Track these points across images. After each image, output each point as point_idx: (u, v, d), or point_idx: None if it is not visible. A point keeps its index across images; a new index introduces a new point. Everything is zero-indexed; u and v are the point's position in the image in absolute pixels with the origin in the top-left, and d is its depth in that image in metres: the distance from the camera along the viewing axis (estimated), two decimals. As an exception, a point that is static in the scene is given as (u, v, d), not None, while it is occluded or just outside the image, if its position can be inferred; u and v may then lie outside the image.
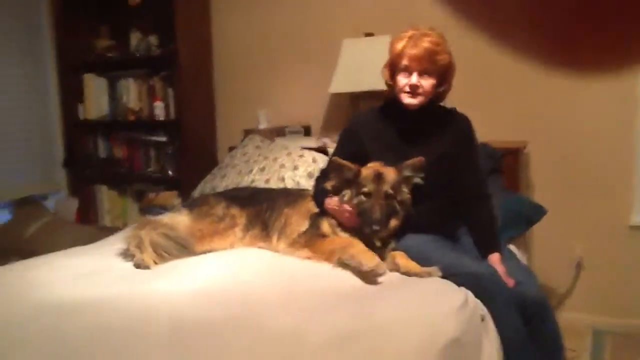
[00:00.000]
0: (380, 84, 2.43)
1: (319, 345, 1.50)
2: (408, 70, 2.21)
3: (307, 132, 3.63)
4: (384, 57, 2.34)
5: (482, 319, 1.90)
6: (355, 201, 2.19)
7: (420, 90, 2.22)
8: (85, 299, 1.81)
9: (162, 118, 3.83)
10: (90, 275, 2.05)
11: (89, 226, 3.98)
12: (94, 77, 4.04)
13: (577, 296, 3.23)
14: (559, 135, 3.17)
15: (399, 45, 2.22)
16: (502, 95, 3.25)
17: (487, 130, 2.74)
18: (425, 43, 2.17)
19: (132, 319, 1.66)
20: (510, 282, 2.03)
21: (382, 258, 2.15)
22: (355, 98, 3.34)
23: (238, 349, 1.49)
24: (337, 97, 3.54)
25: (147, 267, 2.15)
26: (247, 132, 3.60)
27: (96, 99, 4.06)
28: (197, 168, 3.64)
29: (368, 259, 2.00)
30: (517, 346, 1.92)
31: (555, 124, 3.17)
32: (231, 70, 3.94)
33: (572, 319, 3.05)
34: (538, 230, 3.18)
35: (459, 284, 1.97)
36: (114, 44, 4.04)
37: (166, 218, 2.43)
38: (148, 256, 2.19)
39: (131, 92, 3.96)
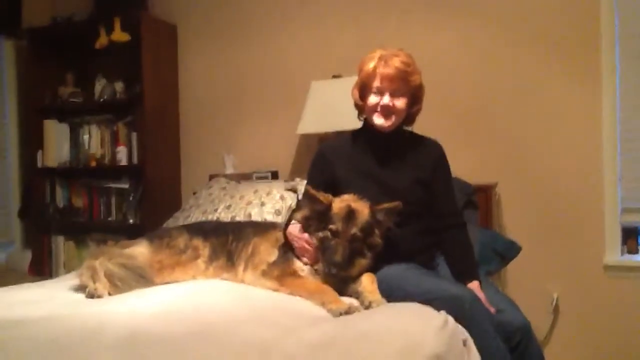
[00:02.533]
0: (349, 125, 2.40)
1: (288, 354, 1.34)
2: (380, 91, 2.18)
3: (274, 176, 3.55)
4: (351, 99, 2.32)
5: (464, 344, 1.77)
6: (320, 235, 2.07)
7: (393, 110, 2.18)
8: (34, 316, 1.63)
9: (124, 163, 3.73)
10: (37, 302, 1.86)
11: (41, 279, 3.72)
12: (55, 123, 3.94)
13: (555, 345, 3.10)
14: (528, 174, 3.16)
15: (370, 65, 2.19)
16: (471, 135, 3.25)
17: (456, 170, 2.70)
18: (397, 63, 2.16)
19: (84, 331, 1.51)
20: (491, 310, 1.93)
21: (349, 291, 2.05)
22: (324, 139, 3.29)
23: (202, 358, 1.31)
24: (305, 139, 3.50)
25: (99, 297, 1.96)
26: (213, 177, 3.50)
27: (57, 145, 3.94)
28: (160, 215, 3.49)
29: (338, 305, 1.86)
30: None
31: (524, 163, 3.16)
32: (197, 114, 3.90)
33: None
34: (512, 272, 3.10)
35: (438, 309, 1.83)
36: (78, 91, 3.96)
37: (124, 249, 2.26)
38: (102, 286, 2.02)
39: (93, 138, 3.87)
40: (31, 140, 3.98)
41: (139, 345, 1.39)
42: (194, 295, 1.87)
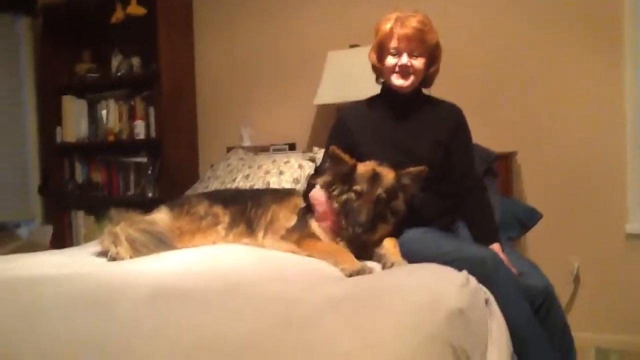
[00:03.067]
0: (367, 94, 2.36)
1: (313, 307, 1.34)
2: (397, 51, 2.15)
3: (292, 149, 3.53)
4: (369, 68, 2.30)
5: (486, 303, 1.75)
6: (344, 197, 2.05)
7: (411, 70, 2.15)
8: (58, 274, 1.65)
9: (142, 137, 3.73)
10: (60, 266, 1.87)
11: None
12: (73, 100, 3.95)
13: (576, 313, 3.07)
14: (550, 141, 3.11)
15: (387, 26, 2.17)
16: (491, 103, 3.21)
17: (475, 138, 2.66)
18: (414, 22, 2.13)
19: (109, 286, 1.50)
20: (513, 271, 1.91)
21: (371, 256, 2.03)
22: (341, 108, 3.26)
23: (226, 312, 1.32)
24: (322, 110, 3.48)
25: (121, 260, 1.98)
26: (230, 150, 3.50)
27: (75, 121, 3.95)
28: (178, 188, 3.50)
29: (351, 264, 1.84)
30: (529, 333, 1.77)
31: (546, 129, 3.12)
32: (214, 88, 3.88)
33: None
34: (532, 241, 3.08)
35: (460, 270, 1.79)
36: (95, 66, 3.97)
37: (144, 216, 2.28)
38: (123, 250, 2.03)
39: (111, 113, 3.88)
40: (49, 117, 3.99)
41: (164, 299, 1.39)
42: (216, 257, 1.87)
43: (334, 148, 2.12)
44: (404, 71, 2.15)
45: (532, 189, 3.15)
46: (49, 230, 3.97)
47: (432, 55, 2.19)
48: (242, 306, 1.35)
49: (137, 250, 2.04)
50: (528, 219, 2.70)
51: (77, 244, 3.94)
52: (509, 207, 2.67)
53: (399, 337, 1.20)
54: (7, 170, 3.95)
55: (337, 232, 2.08)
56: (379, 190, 2.01)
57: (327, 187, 2.12)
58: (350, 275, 1.78)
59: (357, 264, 1.85)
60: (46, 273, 1.66)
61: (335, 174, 2.09)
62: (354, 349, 1.10)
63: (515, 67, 3.16)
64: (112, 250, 2.04)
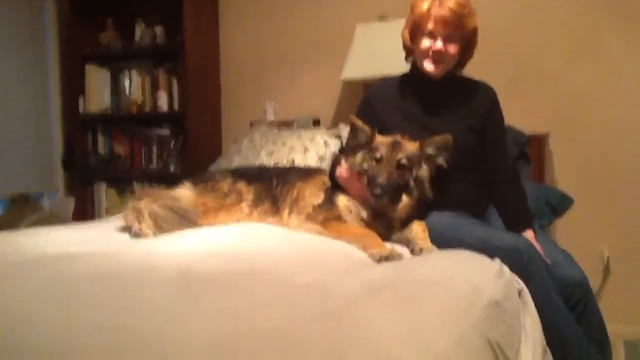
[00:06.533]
0: (396, 70, 2.28)
1: (348, 294, 1.29)
2: (432, 35, 2.05)
3: (316, 124, 3.47)
4: (399, 42, 2.20)
5: (519, 294, 1.69)
6: (365, 166, 1.99)
7: (445, 57, 2.06)
8: (84, 252, 1.62)
9: (165, 110, 3.69)
10: (84, 242, 1.85)
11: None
12: (96, 69, 3.90)
13: (605, 304, 2.95)
14: (584, 125, 3.00)
15: (424, 6, 2.06)
16: (523, 83, 3.09)
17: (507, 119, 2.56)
18: (452, 4, 2.02)
19: (136, 267, 1.47)
20: (547, 262, 1.84)
21: (399, 239, 1.98)
22: (369, 86, 3.18)
23: (259, 299, 1.26)
24: (348, 86, 3.40)
25: (144, 237, 1.95)
26: (254, 124, 3.44)
27: (98, 91, 3.90)
28: (201, 163, 3.46)
29: (380, 249, 1.79)
30: (564, 326, 1.72)
31: (579, 112, 3.00)
32: (239, 61, 3.81)
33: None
34: (562, 229, 2.98)
35: (492, 258, 1.75)
36: (119, 35, 3.91)
37: (168, 191, 2.24)
38: (146, 226, 2.00)
39: (134, 84, 3.82)
40: (73, 87, 3.95)
41: (194, 283, 1.34)
42: (241, 238, 1.83)
43: (352, 117, 2.07)
44: (438, 57, 2.05)
45: (563, 173, 3.05)
46: (70, 202, 3.96)
47: (468, 40, 2.10)
48: (276, 294, 1.31)
49: (160, 226, 2.01)
50: (559, 204, 2.61)
51: (99, 217, 3.94)
52: (541, 193, 2.58)
53: (442, 332, 1.14)
54: (31, 140, 3.93)
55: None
56: (400, 155, 1.95)
57: (348, 160, 2.06)
58: (379, 261, 1.73)
59: (386, 249, 1.79)
60: (71, 251, 1.63)
61: (355, 144, 2.04)
62: (395, 344, 1.04)
63: (551, 45, 3.04)
64: (136, 226, 2.01)
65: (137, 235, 1.96)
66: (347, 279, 1.42)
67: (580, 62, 2.99)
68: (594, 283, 2.96)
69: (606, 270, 2.99)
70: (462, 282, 1.41)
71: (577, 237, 2.98)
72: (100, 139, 4.02)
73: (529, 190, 2.42)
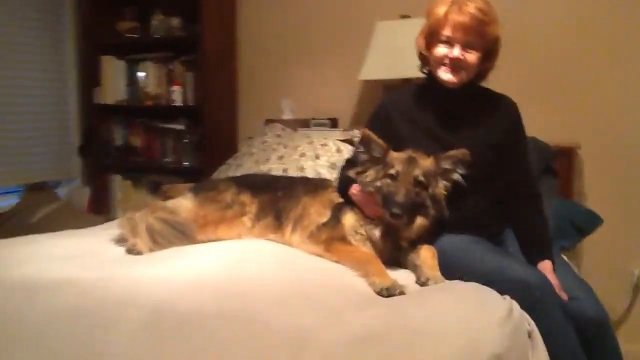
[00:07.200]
0: (418, 72, 2.12)
1: (326, 350, 1.18)
2: (450, 41, 1.90)
3: (334, 124, 3.35)
4: None
5: (529, 336, 1.56)
6: (378, 184, 1.87)
7: (463, 65, 1.90)
8: (57, 279, 1.54)
9: (179, 103, 3.61)
10: (70, 258, 1.77)
11: (99, 216, 3.74)
12: (112, 60, 3.84)
13: (633, 324, 2.82)
14: (617, 136, 2.80)
15: (441, 11, 1.90)
16: (551, 89, 2.90)
17: (531, 129, 2.36)
18: (472, 9, 1.86)
19: (108, 301, 1.40)
20: (563, 297, 1.71)
21: (406, 262, 1.88)
22: (389, 87, 3.04)
23: (230, 344, 1.18)
24: (368, 85, 3.25)
25: (139, 253, 1.88)
26: (269, 122, 3.34)
27: (114, 82, 3.84)
28: (215, 159, 3.37)
29: (382, 279, 1.67)
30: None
31: (612, 123, 2.80)
32: (256, 56, 3.69)
33: (627, 352, 2.65)
34: (590, 245, 2.81)
35: (503, 292, 1.63)
36: (136, 25, 3.82)
37: (167, 202, 2.16)
38: (142, 242, 1.93)
39: (150, 76, 3.75)
40: (89, 77, 3.90)
41: (163, 325, 1.26)
42: (234, 263, 1.74)
43: (365, 130, 1.94)
44: (455, 65, 1.90)
45: (592, 186, 2.87)
46: (86, 192, 3.95)
47: (490, 50, 1.93)
48: (246, 343, 1.21)
49: (157, 242, 1.94)
50: (587, 224, 2.45)
51: (114, 208, 3.92)
52: (567, 211, 2.42)
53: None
54: (49, 129, 3.91)
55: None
56: (417, 172, 1.83)
57: (359, 177, 1.94)
58: (380, 293, 1.62)
59: (388, 279, 1.68)
60: (50, 277, 1.55)
61: (368, 158, 1.92)
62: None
63: (583, 48, 2.84)
64: (131, 240, 1.94)
65: (131, 251, 1.89)
66: (332, 324, 1.31)
67: (616, 66, 2.79)
68: (623, 303, 2.80)
69: (636, 289, 2.81)
70: (458, 333, 1.29)
71: (603, 254, 2.82)
72: (117, 130, 3.97)
73: (553, 207, 2.27)
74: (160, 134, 3.81)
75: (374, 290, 1.64)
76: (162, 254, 1.87)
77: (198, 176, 3.49)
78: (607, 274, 2.77)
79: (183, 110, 3.66)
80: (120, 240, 2.00)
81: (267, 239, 2.05)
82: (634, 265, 2.80)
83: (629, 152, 2.79)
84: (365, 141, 1.93)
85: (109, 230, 2.17)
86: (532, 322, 1.59)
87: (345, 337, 1.24)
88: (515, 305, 1.59)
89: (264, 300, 1.44)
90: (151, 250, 1.90)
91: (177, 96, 3.61)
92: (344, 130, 3.11)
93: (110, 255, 1.86)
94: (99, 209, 3.95)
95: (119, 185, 3.95)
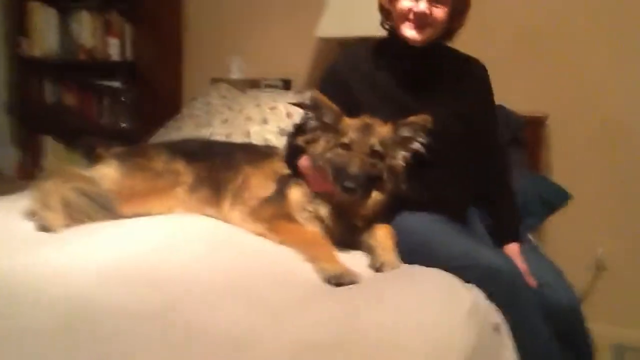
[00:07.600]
0: (378, 29, 1.88)
1: (271, 354, 0.96)
2: None
3: (286, 86, 3.10)
4: None
5: (496, 329, 1.43)
6: (329, 155, 1.66)
7: (429, 21, 1.69)
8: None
9: (116, 58, 3.29)
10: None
11: (26, 182, 3.41)
12: (42, 7, 3.45)
13: (595, 303, 2.68)
14: (588, 108, 2.65)
15: None
16: (522, 57, 2.72)
17: (500, 97, 2.13)
18: None
19: (10, 298, 1.17)
20: (532, 283, 1.58)
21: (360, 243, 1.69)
22: (346, 46, 2.79)
23: (154, 350, 0.97)
24: (324, 44, 3.01)
25: (50, 230, 1.62)
26: (215, 81, 3.06)
27: (43, 33, 3.47)
28: (157, 121, 3.08)
29: (332, 265, 1.51)
30: (548, 358, 1.52)
31: (584, 93, 2.64)
32: (203, 7, 3.38)
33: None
34: (552, 221, 2.66)
35: (467, 279, 1.49)
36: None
37: (87, 170, 1.89)
38: (55, 217, 1.67)
39: (84, 27, 3.38)
40: (14, 26, 3.52)
41: (75, 324, 1.04)
42: (161, 245, 1.49)
43: (316, 93, 1.72)
44: (421, 20, 1.69)
45: (560, 159, 2.71)
46: (15, 155, 3.60)
47: (459, 5, 1.73)
48: (174, 345, 0.98)
49: (73, 217, 1.69)
50: (556, 199, 2.29)
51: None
52: (535, 186, 2.26)
53: None
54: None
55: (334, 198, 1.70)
56: (373, 140, 1.64)
57: (309, 145, 1.73)
58: (328, 281, 1.44)
59: (338, 267, 1.50)
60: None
61: (318, 124, 1.71)
62: None
63: (558, 16, 2.65)
64: (41, 214, 1.67)
65: (43, 228, 1.63)
66: (274, 326, 1.09)
67: (590, 37, 2.62)
68: (585, 281, 2.69)
69: (599, 266, 2.70)
70: (420, 344, 1.09)
71: (569, 231, 2.68)
72: (48, 86, 3.61)
73: (521, 181, 2.11)
74: (96, 92, 3.47)
75: (322, 278, 1.47)
76: (77, 231, 1.62)
77: (137, 140, 3.20)
78: (569, 252, 2.64)
79: (121, 66, 3.34)
80: (30, 214, 1.72)
81: (204, 214, 1.82)
82: (598, 243, 2.68)
83: (598, 125, 2.65)
84: (315, 105, 1.71)
85: (20, 202, 1.87)
86: (498, 314, 1.47)
87: (290, 345, 1.02)
88: (481, 296, 1.46)
89: (191, 295, 1.22)
90: (67, 226, 1.64)
91: (114, 50, 3.29)
92: (298, 92, 2.86)
93: (15, 234, 1.59)
94: (29, 174, 3.61)
95: (51, 147, 3.61)
